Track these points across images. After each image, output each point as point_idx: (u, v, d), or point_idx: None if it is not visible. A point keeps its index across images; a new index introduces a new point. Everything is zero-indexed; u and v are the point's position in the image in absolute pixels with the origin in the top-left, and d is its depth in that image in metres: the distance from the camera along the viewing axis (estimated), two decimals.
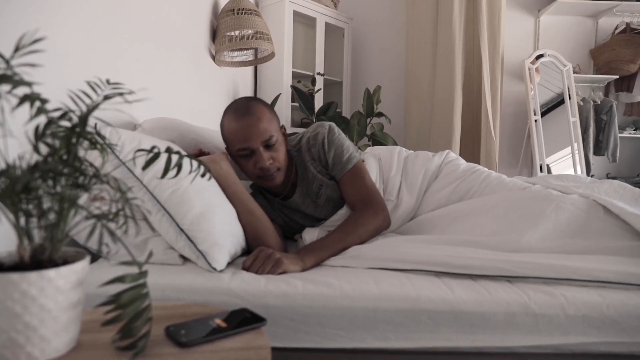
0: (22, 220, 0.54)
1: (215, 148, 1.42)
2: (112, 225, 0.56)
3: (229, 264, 1.05)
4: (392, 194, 1.42)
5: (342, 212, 1.34)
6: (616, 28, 3.94)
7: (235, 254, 1.08)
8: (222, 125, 1.26)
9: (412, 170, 1.48)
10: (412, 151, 1.60)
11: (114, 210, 0.57)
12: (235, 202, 1.18)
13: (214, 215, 1.06)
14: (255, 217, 1.20)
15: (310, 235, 1.30)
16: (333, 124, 1.36)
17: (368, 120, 3.04)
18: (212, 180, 1.17)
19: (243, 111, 1.20)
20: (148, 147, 0.64)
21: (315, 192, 1.35)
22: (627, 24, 3.88)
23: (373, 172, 1.42)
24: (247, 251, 1.17)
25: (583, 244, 1.08)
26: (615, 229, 1.12)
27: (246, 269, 1.02)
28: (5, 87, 0.51)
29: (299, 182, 1.36)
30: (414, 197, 1.42)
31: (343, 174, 1.31)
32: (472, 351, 0.87)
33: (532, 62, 3.68)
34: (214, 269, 0.98)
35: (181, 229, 1.00)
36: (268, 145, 1.21)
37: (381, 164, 1.49)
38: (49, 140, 0.57)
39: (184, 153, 0.66)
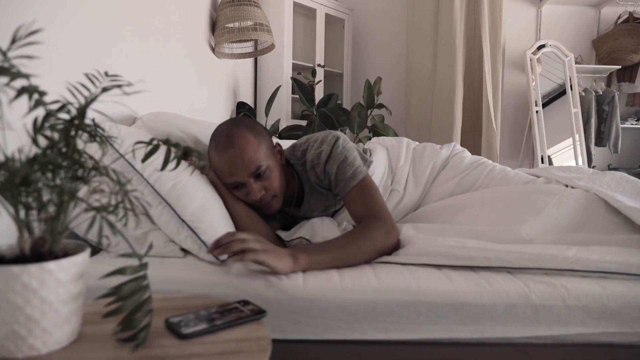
0: (22, 213, 0.54)
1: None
2: (111, 218, 0.56)
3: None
4: (400, 184, 1.40)
5: None
6: (619, 18, 3.91)
7: None
8: (208, 154, 1.18)
9: (420, 162, 1.47)
10: (418, 143, 1.60)
11: (113, 202, 0.57)
12: (230, 207, 1.15)
13: (215, 208, 1.08)
14: (254, 221, 1.16)
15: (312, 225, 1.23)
16: (340, 135, 1.23)
17: (369, 111, 3.03)
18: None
19: (225, 143, 1.11)
20: (147, 140, 0.64)
21: (325, 207, 1.31)
22: (630, 14, 3.86)
23: (382, 162, 1.40)
24: None
25: (583, 237, 1.08)
26: (614, 224, 1.12)
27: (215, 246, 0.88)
28: (3, 80, 0.51)
29: (306, 198, 1.29)
30: (419, 189, 1.41)
31: (347, 191, 1.17)
32: (472, 342, 0.87)
33: (534, 53, 3.65)
34: (216, 258, 0.99)
35: (183, 221, 1.02)
36: (258, 175, 1.13)
37: (389, 154, 1.48)
38: (48, 132, 0.57)
39: (182, 145, 0.66)
